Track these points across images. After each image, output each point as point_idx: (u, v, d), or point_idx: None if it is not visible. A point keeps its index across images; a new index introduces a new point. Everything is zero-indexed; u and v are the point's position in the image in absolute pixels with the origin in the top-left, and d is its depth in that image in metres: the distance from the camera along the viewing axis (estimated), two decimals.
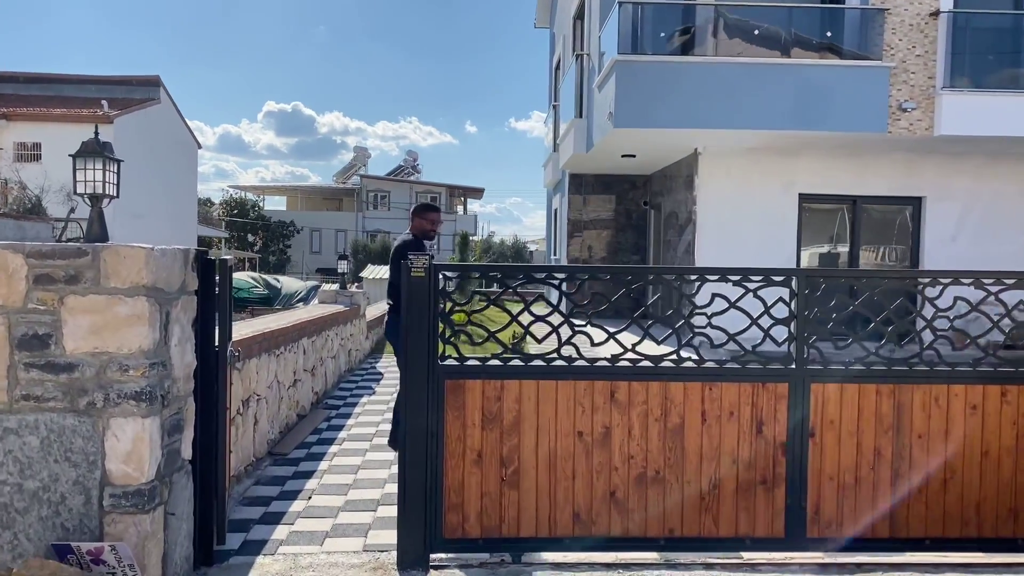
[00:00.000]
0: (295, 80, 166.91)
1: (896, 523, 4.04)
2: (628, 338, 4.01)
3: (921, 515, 4.05)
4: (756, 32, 10.25)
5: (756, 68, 10.06)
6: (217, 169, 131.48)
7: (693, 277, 4.01)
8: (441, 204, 54.24)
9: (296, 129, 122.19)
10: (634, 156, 12.81)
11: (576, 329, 3.98)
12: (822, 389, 4.01)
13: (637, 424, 3.99)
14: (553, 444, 3.98)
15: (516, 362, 3.98)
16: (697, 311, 3.96)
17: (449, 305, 3.96)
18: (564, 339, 3.97)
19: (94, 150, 3.52)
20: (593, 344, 3.99)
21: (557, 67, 18.37)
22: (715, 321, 3.90)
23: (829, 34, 10.38)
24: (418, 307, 3.91)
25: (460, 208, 56.62)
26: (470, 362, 3.97)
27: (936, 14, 10.35)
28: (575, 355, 3.98)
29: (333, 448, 6.12)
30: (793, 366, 4.01)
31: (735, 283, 4.00)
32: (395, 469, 5.56)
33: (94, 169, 3.52)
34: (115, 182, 3.59)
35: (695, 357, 4.01)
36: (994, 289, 4.01)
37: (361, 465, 5.68)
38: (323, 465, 5.69)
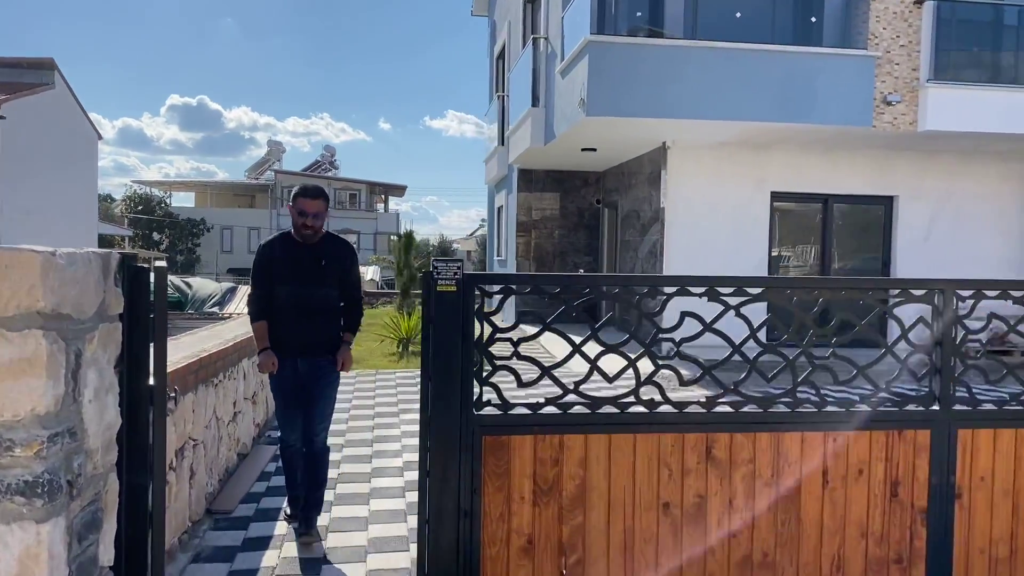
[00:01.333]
0: (200, 73, 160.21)
1: None
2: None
3: None
4: (738, 15, 9.44)
5: (739, 54, 9.24)
6: (117, 164, 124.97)
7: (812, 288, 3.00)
8: (361, 201, 52.42)
9: (202, 124, 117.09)
10: (595, 150, 11.85)
11: (661, 363, 2.92)
12: (971, 436, 3.08)
13: (741, 490, 2.96)
14: (630, 522, 2.91)
15: (580, 408, 2.89)
16: (817, 340, 2.97)
17: (488, 331, 2.84)
18: (644, 376, 2.90)
19: None
20: (682, 382, 2.94)
21: (500, 56, 17.26)
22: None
23: (814, 20, 9.66)
24: (448, 335, 2.77)
25: (381, 206, 54.82)
26: (517, 410, 2.87)
27: (921, 2, 9.78)
28: (659, 398, 2.92)
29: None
30: (936, 407, 3.06)
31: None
32: (375, 530, 4.39)
33: None
34: None
35: (814, 397, 3.01)
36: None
37: (329, 526, 4.47)
38: (280, 527, 4.44)
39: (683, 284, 2.87)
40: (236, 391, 5.60)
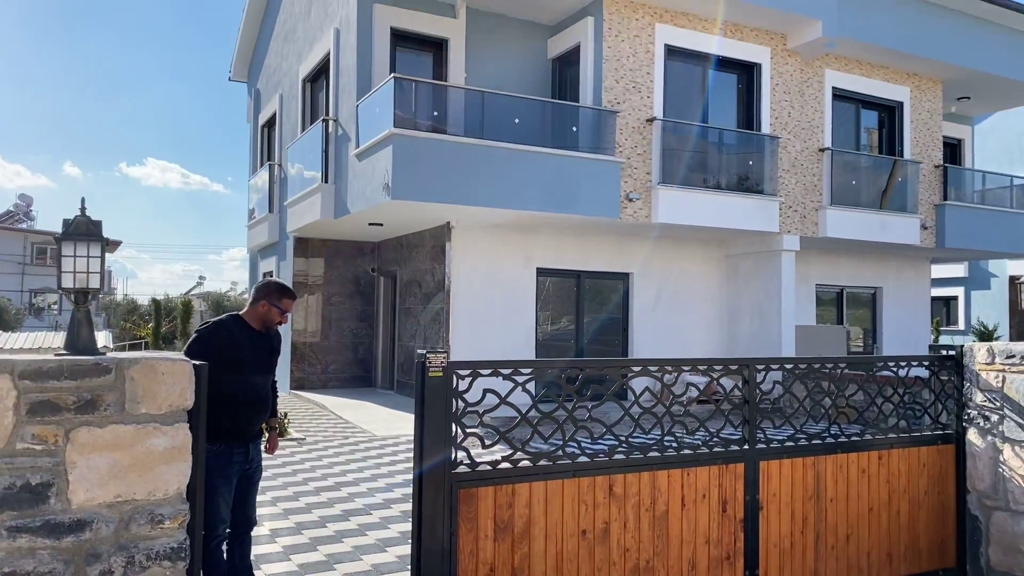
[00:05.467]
0: None
1: None
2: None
3: (834, 569, 4.71)
4: (516, 121, 11.03)
5: (519, 154, 10.79)
6: None
7: (654, 368, 4.25)
8: None
9: None
10: (382, 225, 12.76)
11: (580, 424, 3.96)
12: (766, 466, 4.50)
13: (632, 516, 4.07)
14: (560, 547, 3.88)
15: (525, 463, 3.83)
16: (676, 400, 4.22)
17: (461, 406, 3.68)
18: (568, 435, 3.93)
19: (88, 231, 2.68)
20: (594, 439, 4.00)
21: (267, 125, 17.54)
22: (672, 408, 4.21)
23: (575, 128, 11.57)
24: (435, 411, 3.58)
25: None
26: (481, 467, 3.72)
27: (652, 120, 12.15)
28: (578, 451, 3.96)
29: None
30: (747, 447, 4.45)
31: (691, 371, 4.34)
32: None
33: (87, 256, 2.67)
34: (100, 271, 2.76)
35: (675, 444, 4.24)
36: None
37: None
38: None
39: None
40: None
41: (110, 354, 2.64)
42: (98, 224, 2.72)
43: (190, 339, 4.08)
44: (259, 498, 5.08)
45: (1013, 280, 24.79)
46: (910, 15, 13.95)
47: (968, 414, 5.08)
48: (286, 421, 10.21)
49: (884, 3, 13.66)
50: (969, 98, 16.61)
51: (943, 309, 26.02)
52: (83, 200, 2.74)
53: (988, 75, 15.14)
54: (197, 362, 2.78)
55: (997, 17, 14.73)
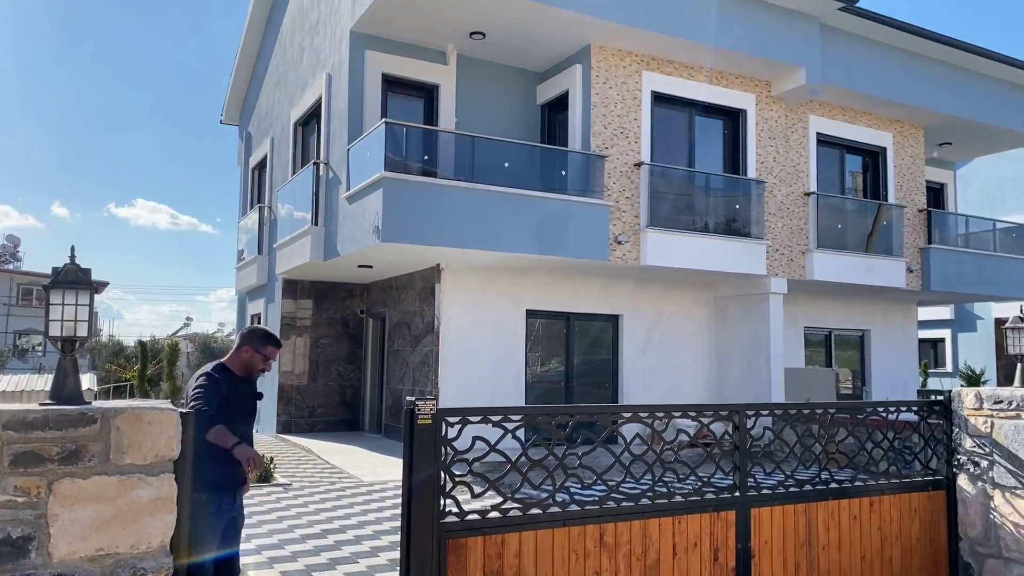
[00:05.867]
0: None
1: None
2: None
3: None
4: (506, 164, 11.13)
5: (508, 197, 10.87)
6: None
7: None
8: None
9: None
10: (371, 267, 12.77)
11: (570, 472, 3.93)
12: (758, 513, 4.47)
13: (623, 566, 4.03)
14: None
15: (515, 512, 3.78)
16: (667, 447, 4.20)
17: (450, 454, 3.65)
18: (559, 483, 3.89)
19: (77, 279, 2.67)
20: (584, 486, 3.97)
21: (258, 167, 17.64)
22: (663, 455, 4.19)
23: (564, 172, 11.68)
24: (424, 459, 3.55)
25: None
26: (470, 516, 3.68)
27: (639, 164, 12.29)
28: (568, 499, 3.92)
29: None
30: (737, 494, 4.42)
31: (681, 416, 4.33)
32: None
33: (76, 305, 2.66)
34: (89, 319, 2.75)
35: (666, 491, 4.21)
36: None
37: None
38: None
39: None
40: None
41: (95, 402, 2.61)
42: (87, 272, 2.71)
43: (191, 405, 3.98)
44: (244, 546, 5.00)
45: (999, 323, 24.98)
46: (891, 63, 14.26)
47: (958, 459, 5.08)
48: (272, 466, 10.08)
49: (866, 51, 13.97)
50: (951, 143, 16.91)
51: (931, 351, 26.14)
52: (73, 248, 2.74)
53: (969, 121, 15.45)
54: (183, 410, 2.76)
55: (977, 66, 15.08)
